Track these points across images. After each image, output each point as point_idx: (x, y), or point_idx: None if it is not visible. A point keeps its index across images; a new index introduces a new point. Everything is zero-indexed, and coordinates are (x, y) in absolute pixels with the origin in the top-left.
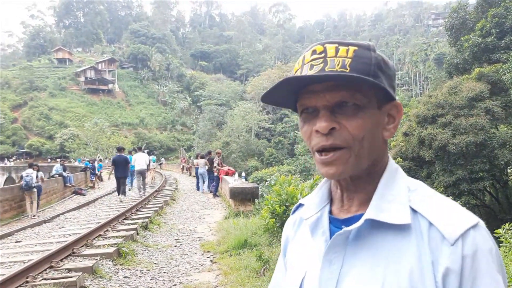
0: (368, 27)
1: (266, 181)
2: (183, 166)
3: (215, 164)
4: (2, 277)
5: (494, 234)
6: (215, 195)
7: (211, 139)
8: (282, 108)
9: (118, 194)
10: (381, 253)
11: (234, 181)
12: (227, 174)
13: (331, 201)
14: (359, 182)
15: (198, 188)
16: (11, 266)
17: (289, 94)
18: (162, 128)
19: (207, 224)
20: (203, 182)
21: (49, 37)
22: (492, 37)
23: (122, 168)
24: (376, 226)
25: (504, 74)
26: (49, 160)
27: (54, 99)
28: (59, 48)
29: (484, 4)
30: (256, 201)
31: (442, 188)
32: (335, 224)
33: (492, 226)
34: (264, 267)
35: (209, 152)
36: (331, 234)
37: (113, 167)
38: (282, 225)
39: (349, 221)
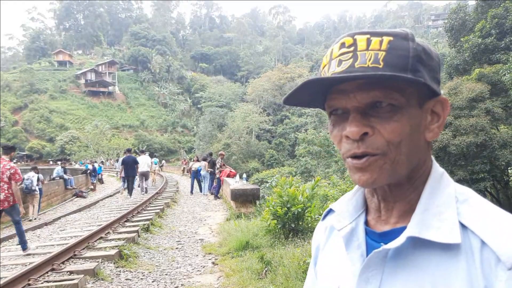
0: (368, 29)
1: (267, 182)
2: (184, 168)
3: (217, 166)
4: (4, 280)
5: None
6: (216, 197)
7: (212, 141)
8: (282, 110)
9: (124, 192)
10: (425, 275)
11: (235, 183)
12: (228, 175)
13: (366, 209)
14: (398, 190)
15: (191, 192)
16: (12, 268)
17: (316, 94)
18: (162, 130)
19: (209, 226)
20: (204, 183)
21: (49, 40)
22: (492, 37)
23: (131, 168)
24: (419, 244)
25: (504, 74)
26: (50, 162)
27: (54, 102)
28: (60, 50)
29: (483, 5)
30: (258, 202)
31: None
32: (372, 237)
33: None
34: (266, 269)
35: (210, 154)
36: (367, 247)
37: (122, 167)
38: (283, 226)
39: (387, 235)
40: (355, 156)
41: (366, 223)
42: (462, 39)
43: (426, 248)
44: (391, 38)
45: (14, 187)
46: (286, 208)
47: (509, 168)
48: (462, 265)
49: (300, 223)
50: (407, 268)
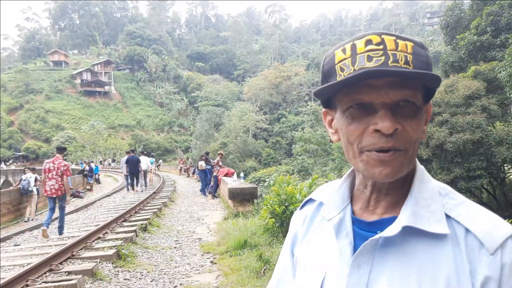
0: (364, 27)
1: (264, 181)
2: (181, 168)
3: (201, 164)
4: (2, 281)
5: None
6: (214, 196)
7: (209, 140)
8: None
9: (130, 189)
10: (414, 260)
11: (233, 182)
12: (226, 175)
13: (352, 201)
14: (393, 184)
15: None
16: (10, 269)
17: (338, 87)
18: (159, 130)
19: (207, 225)
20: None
21: (44, 40)
22: (488, 35)
23: (134, 166)
24: (409, 232)
25: (500, 71)
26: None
27: (50, 102)
28: (55, 50)
29: (479, 2)
30: (255, 201)
31: None
32: (359, 226)
33: None
34: (264, 267)
35: (207, 153)
36: (355, 236)
37: (126, 166)
38: (281, 225)
39: (376, 225)
40: (381, 150)
41: (353, 212)
42: (457, 36)
43: (415, 237)
44: (413, 44)
45: (65, 180)
46: (284, 207)
47: (505, 164)
48: (448, 251)
49: None
50: (396, 255)
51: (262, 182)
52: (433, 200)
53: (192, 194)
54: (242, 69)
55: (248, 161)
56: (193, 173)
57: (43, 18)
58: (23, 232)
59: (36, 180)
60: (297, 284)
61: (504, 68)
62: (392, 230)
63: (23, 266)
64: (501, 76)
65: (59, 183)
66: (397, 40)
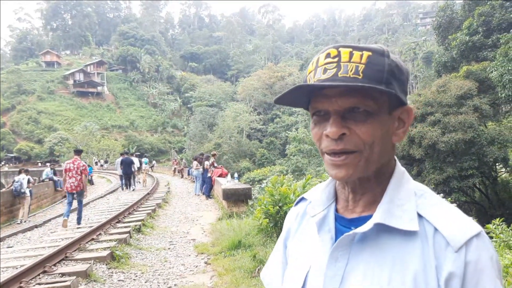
0: (357, 27)
1: (259, 181)
2: (175, 169)
3: (207, 164)
4: None
5: (484, 230)
6: (208, 197)
7: (203, 141)
8: (273, 109)
9: (124, 188)
10: (387, 255)
11: (227, 183)
12: (220, 175)
13: (336, 199)
14: (366, 184)
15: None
16: (3, 271)
17: (303, 96)
18: (152, 131)
19: (201, 226)
20: (196, 183)
21: (36, 40)
22: (479, 35)
23: (128, 167)
24: (383, 229)
25: (492, 72)
26: (39, 164)
27: (42, 103)
28: (47, 51)
29: (470, 3)
30: (249, 202)
31: (433, 186)
32: (341, 222)
33: (482, 222)
34: (258, 267)
35: (201, 154)
36: (336, 232)
37: (121, 166)
38: (275, 225)
39: (355, 222)
40: (334, 153)
41: (336, 210)
42: (450, 36)
43: (388, 234)
44: (370, 53)
45: (84, 178)
46: (278, 207)
47: (497, 164)
48: (418, 247)
49: None
50: (371, 250)
51: (256, 182)
52: (408, 200)
53: (186, 195)
54: (235, 69)
55: (242, 162)
56: (188, 173)
57: (35, 19)
58: (16, 234)
59: (28, 181)
60: (287, 276)
61: (495, 68)
62: (365, 226)
63: (17, 268)
64: (492, 76)
65: (78, 180)
66: (353, 51)
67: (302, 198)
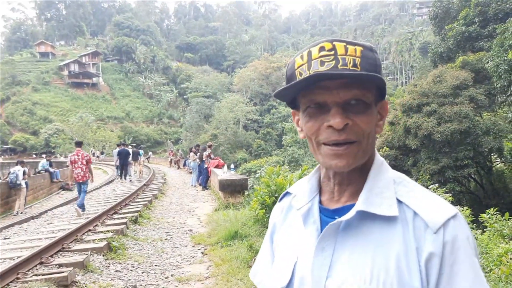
0: (354, 17)
1: (255, 172)
2: (171, 159)
3: (204, 155)
4: None
5: (479, 219)
6: (204, 188)
7: (199, 132)
8: (269, 100)
9: (121, 178)
10: (370, 241)
11: (223, 173)
12: (217, 166)
13: (320, 192)
14: (353, 175)
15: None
16: (1, 263)
17: (299, 89)
18: (148, 122)
19: (197, 216)
20: (193, 174)
21: (30, 31)
22: (476, 25)
23: (124, 158)
24: (365, 216)
25: (487, 62)
26: (34, 156)
27: (37, 94)
28: (41, 41)
29: None
30: (246, 192)
31: (428, 176)
32: (325, 213)
33: (477, 211)
34: (254, 257)
35: (197, 145)
36: (322, 223)
37: (118, 157)
38: None
39: (339, 211)
40: (335, 144)
41: (320, 202)
42: (446, 27)
43: (371, 220)
44: (362, 48)
45: (90, 167)
46: (274, 198)
47: (492, 154)
48: (399, 231)
49: None
50: (355, 237)
51: (252, 173)
52: (387, 187)
53: (182, 186)
54: (232, 60)
55: (239, 153)
56: (184, 165)
57: (29, 9)
58: (12, 225)
59: (24, 173)
60: (275, 268)
61: (491, 59)
62: (348, 215)
63: (14, 259)
64: (488, 66)
65: (84, 170)
66: (347, 46)
67: (287, 193)
